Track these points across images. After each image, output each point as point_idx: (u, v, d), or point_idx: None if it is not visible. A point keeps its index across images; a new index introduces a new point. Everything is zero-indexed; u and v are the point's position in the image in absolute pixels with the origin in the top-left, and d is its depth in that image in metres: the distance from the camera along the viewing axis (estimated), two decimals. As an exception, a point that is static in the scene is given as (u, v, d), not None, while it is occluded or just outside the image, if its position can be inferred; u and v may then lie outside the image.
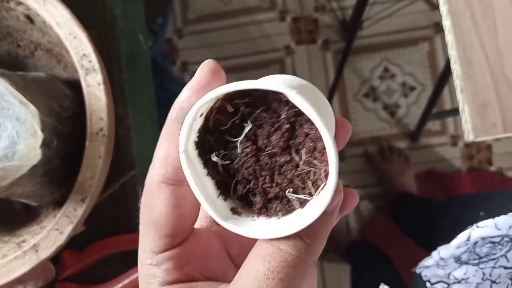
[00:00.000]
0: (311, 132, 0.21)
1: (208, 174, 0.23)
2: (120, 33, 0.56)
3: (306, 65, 1.47)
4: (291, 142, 0.22)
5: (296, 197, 0.22)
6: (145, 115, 0.60)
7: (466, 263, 0.56)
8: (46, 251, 0.48)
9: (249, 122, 0.22)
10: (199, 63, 0.23)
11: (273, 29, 1.47)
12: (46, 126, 0.45)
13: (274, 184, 0.22)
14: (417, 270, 0.62)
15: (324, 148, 0.21)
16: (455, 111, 1.36)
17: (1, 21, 0.55)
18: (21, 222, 0.58)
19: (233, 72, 1.46)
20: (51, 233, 0.48)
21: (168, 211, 0.23)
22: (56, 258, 0.58)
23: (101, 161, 0.47)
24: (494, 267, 0.55)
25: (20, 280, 0.59)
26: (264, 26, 1.47)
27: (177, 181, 0.23)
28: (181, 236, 0.24)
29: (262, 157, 0.22)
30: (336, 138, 0.23)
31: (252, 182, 0.22)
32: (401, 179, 1.37)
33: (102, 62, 0.48)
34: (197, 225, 0.26)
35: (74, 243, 0.59)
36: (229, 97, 0.22)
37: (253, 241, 0.24)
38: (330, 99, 1.37)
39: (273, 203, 0.23)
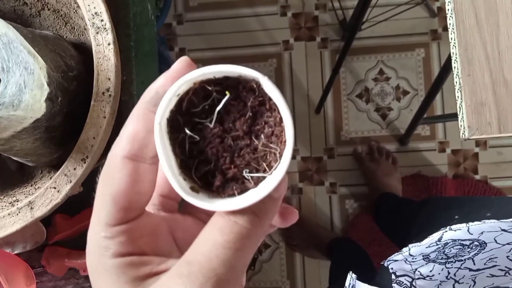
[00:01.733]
0: (270, 120, 0.25)
1: (174, 151, 0.24)
2: (131, -1, 0.56)
3: (303, 61, 1.47)
4: (252, 128, 0.25)
5: (251, 176, 0.24)
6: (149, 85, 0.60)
7: (434, 261, 0.57)
8: (42, 209, 0.47)
9: (227, 92, 0.25)
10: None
11: (273, 23, 1.48)
12: (52, 81, 0.45)
13: (232, 166, 0.24)
14: (386, 263, 0.63)
15: (281, 132, 0.24)
16: (446, 117, 1.39)
17: (10, -24, 0.54)
18: (14, 183, 0.57)
19: (231, 62, 1.46)
20: (48, 191, 0.47)
21: (128, 186, 0.24)
22: (48, 221, 0.57)
23: (105, 121, 0.47)
24: (459, 268, 0.57)
25: (8, 242, 0.58)
26: (264, 19, 1.48)
27: (140, 158, 0.24)
28: (136, 212, 0.25)
29: (226, 139, 0.25)
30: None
31: (213, 163, 0.25)
32: (388, 180, 1.39)
33: (112, 23, 0.47)
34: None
35: (66, 209, 0.58)
36: (204, 83, 0.25)
37: (197, 226, 0.28)
38: (324, 96, 1.38)
39: (230, 183, 0.25)
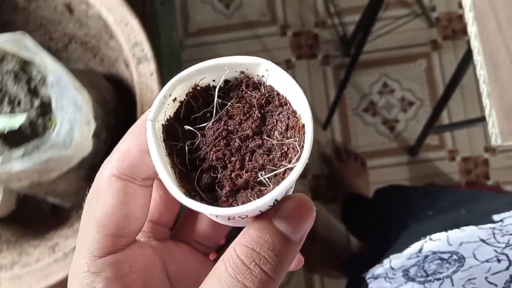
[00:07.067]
0: (282, 115, 0.21)
1: (172, 162, 0.21)
2: (160, 25, 0.54)
3: (307, 79, 1.47)
4: (263, 128, 0.22)
5: (269, 176, 0.20)
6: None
7: (413, 279, 0.56)
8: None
9: (225, 67, 0.21)
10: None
11: (274, 43, 1.48)
12: (97, 115, 0.43)
13: (244, 171, 0.21)
14: (367, 278, 0.62)
15: (297, 122, 0.21)
16: (454, 126, 1.39)
17: (36, 11, 0.52)
18: (49, 225, 0.54)
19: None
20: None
21: (115, 207, 0.21)
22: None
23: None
24: None
25: None
26: (265, 40, 1.48)
27: (130, 178, 0.22)
28: (125, 240, 0.22)
29: (233, 141, 0.21)
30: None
31: (220, 171, 0.21)
32: (355, 180, 1.37)
33: (153, 51, 0.46)
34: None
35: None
36: (204, 90, 0.22)
37: (192, 257, 0.25)
38: (331, 113, 1.38)
39: (243, 192, 0.20)
